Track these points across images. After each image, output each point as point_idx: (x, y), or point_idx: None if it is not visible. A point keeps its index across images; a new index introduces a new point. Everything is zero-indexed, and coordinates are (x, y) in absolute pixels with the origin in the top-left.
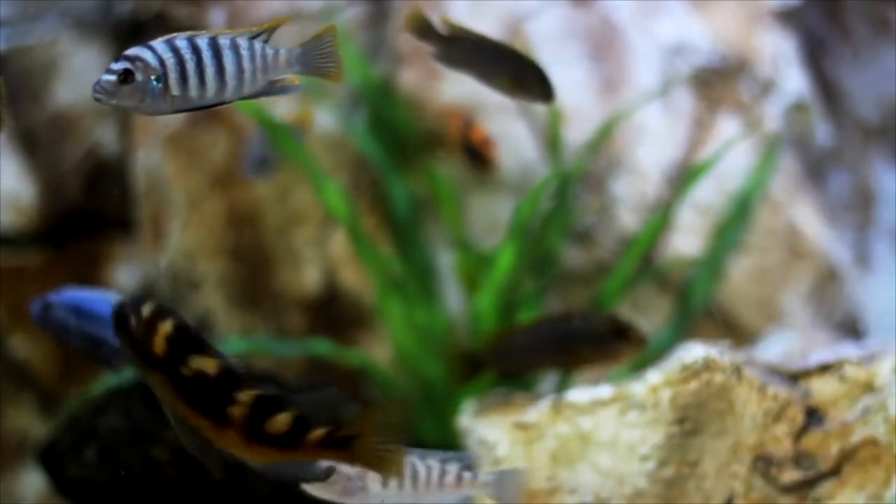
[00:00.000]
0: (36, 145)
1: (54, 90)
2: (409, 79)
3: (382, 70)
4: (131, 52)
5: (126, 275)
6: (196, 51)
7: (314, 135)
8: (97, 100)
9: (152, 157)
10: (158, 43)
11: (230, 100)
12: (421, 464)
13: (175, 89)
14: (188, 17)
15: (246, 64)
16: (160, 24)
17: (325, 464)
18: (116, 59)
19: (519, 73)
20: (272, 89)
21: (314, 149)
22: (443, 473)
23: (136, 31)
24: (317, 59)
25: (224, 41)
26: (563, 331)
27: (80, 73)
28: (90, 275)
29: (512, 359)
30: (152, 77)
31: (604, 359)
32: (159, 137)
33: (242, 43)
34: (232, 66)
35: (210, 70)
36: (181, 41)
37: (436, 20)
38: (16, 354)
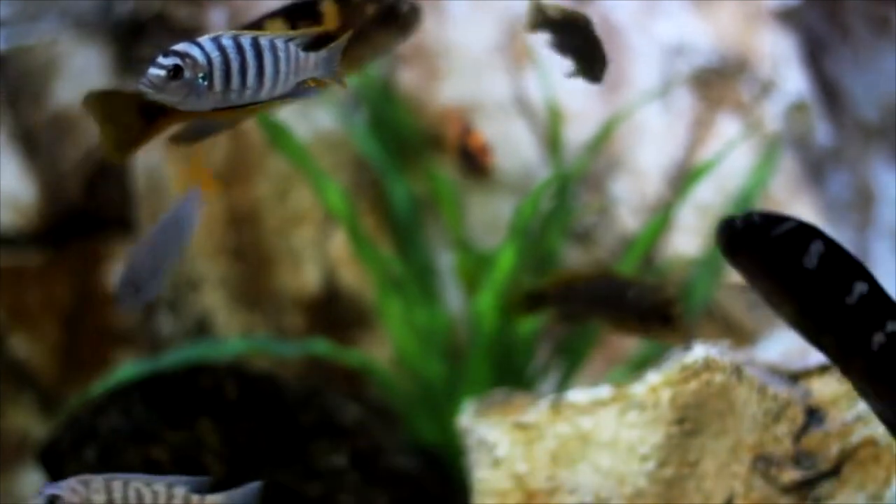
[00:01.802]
0: (36, 145)
1: (54, 90)
2: (409, 79)
3: (382, 70)
4: (180, 47)
5: None
6: (240, 50)
7: (314, 135)
8: (143, 93)
9: (152, 157)
10: (206, 41)
11: (262, 101)
12: (147, 490)
13: (218, 87)
14: (188, 18)
15: (282, 66)
16: (160, 24)
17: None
18: (165, 54)
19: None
20: (296, 92)
21: (314, 149)
22: (169, 497)
23: (136, 31)
24: (335, 63)
25: (265, 42)
26: (617, 295)
27: (80, 73)
28: (90, 275)
29: (570, 304)
30: (199, 74)
31: (646, 335)
32: (159, 137)
33: (279, 44)
34: (271, 67)
35: (252, 70)
36: (227, 40)
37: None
38: (16, 354)
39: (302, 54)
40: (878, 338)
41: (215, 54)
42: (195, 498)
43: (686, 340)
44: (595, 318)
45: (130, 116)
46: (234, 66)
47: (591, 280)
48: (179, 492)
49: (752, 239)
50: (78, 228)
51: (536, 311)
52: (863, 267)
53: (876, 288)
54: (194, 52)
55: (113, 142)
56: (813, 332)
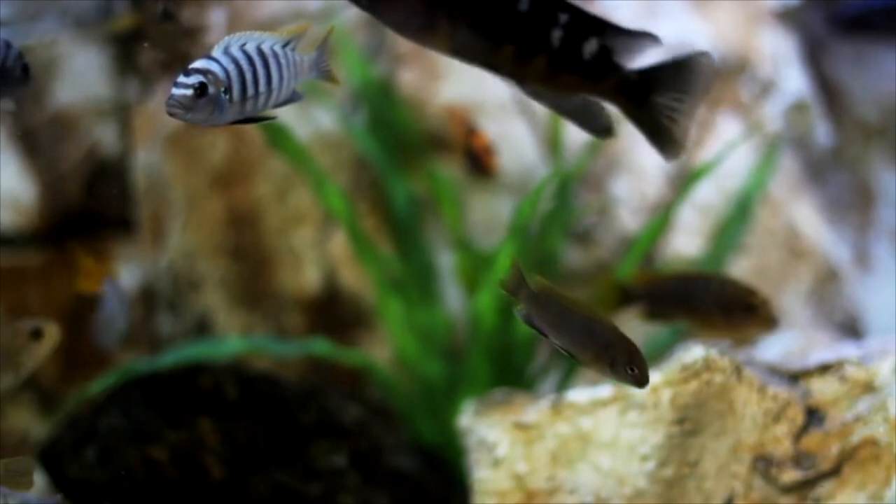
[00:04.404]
0: (36, 145)
1: (54, 90)
2: (409, 79)
3: (382, 70)
4: (200, 64)
5: (126, 275)
6: (251, 61)
7: (314, 135)
8: (172, 114)
9: (152, 157)
10: (220, 54)
11: (269, 109)
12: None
13: (237, 100)
14: (188, 18)
15: (285, 72)
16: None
17: None
18: (186, 73)
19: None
20: (292, 96)
21: (314, 149)
22: None
23: (135, 31)
24: (325, 63)
25: (268, 49)
26: (702, 291)
27: (80, 73)
28: None
29: (658, 302)
30: (221, 89)
31: (731, 330)
32: (159, 137)
33: (279, 51)
34: (276, 74)
35: (262, 79)
36: (236, 51)
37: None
38: None
39: (298, 58)
40: (556, 33)
41: (231, 67)
42: None
43: (772, 328)
44: (681, 317)
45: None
46: (248, 77)
47: (677, 279)
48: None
49: None
50: (78, 228)
51: (624, 306)
52: None
53: None
54: (214, 67)
55: None
56: (488, 51)
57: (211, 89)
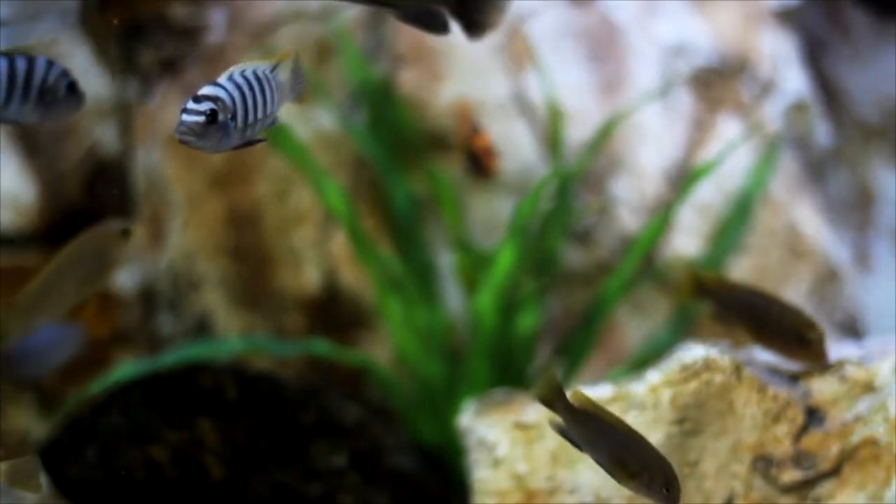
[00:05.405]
0: (36, 145)
1: None
2: (409, 79)
3: (382, 70)
4: (208, 91)
5: (126, 275)
6: (250, 86)
7: (314, 135)
8: (184, 142)
9: (152, 157)
10: (225, 81)
11: (259, 133)
12: None
13: (240, 125)
14: (188, 17)
15: (275, 95)
16: (160, 24)
17: None
18: (195, 99)
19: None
20: (273, 120)
21: (314, 149)
22: None
23: (135, 31)
24: (301, 84)
25: (261, 74)
26: (762, 311)
27: (80, 73)
28: None
29: (723, 306)
30: (228, 116)
31: (783, 354)
32: (159, 137)
33: (269, 75)
34: (269, 98)
35: (259, 105)
36: (238, 77)
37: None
38: None
39: (280, 80)
40: None
41: (236, 93)
42: None
43: (821, 365)
44: (739, 327)
45: None
46: (249, 102)
47: (745, 291)
48: None
49: None
50: (78, 228)
51: (697, 297)
52: None
53: None
54: (221, 93)
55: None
56: None
57: (221, 116)
